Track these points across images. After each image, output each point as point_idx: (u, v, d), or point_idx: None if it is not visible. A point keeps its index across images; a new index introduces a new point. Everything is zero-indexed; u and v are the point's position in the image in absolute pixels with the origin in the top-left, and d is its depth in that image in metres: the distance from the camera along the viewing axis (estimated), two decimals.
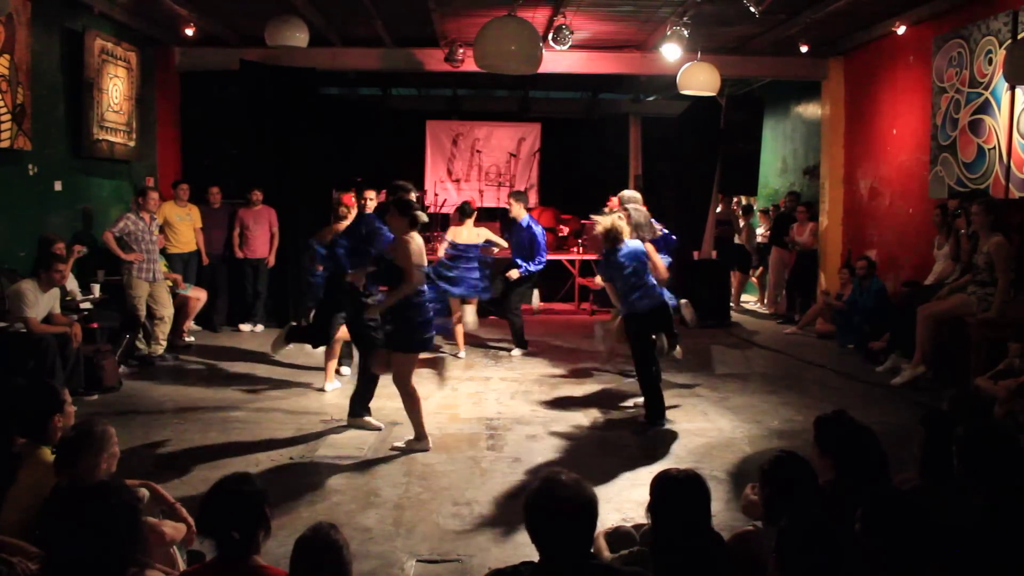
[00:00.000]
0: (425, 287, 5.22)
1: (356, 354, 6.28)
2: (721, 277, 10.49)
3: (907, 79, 8.80)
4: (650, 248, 6.18)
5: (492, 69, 7.30)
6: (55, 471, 2.97)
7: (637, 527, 3.08)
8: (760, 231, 11.85)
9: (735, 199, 12.55)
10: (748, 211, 12.22)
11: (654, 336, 5.94)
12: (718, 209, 12.02)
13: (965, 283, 6.72)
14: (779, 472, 2.81)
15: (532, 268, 8.07)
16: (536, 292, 9.26)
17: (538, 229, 8.24)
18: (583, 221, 10.25)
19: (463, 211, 8.00)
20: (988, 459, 2.73)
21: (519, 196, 8.41)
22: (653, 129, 13.75)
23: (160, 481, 3.46)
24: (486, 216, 10.13)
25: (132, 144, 8.95)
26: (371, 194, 6.27)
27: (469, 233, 7.88)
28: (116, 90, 8.53)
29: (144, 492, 3.07)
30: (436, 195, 12.44)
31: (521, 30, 6.87)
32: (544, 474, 2.31)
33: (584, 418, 5.99)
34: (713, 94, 8.88)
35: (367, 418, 5.61)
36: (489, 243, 7.98)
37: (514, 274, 7.96)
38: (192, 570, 2.60)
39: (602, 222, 5.83)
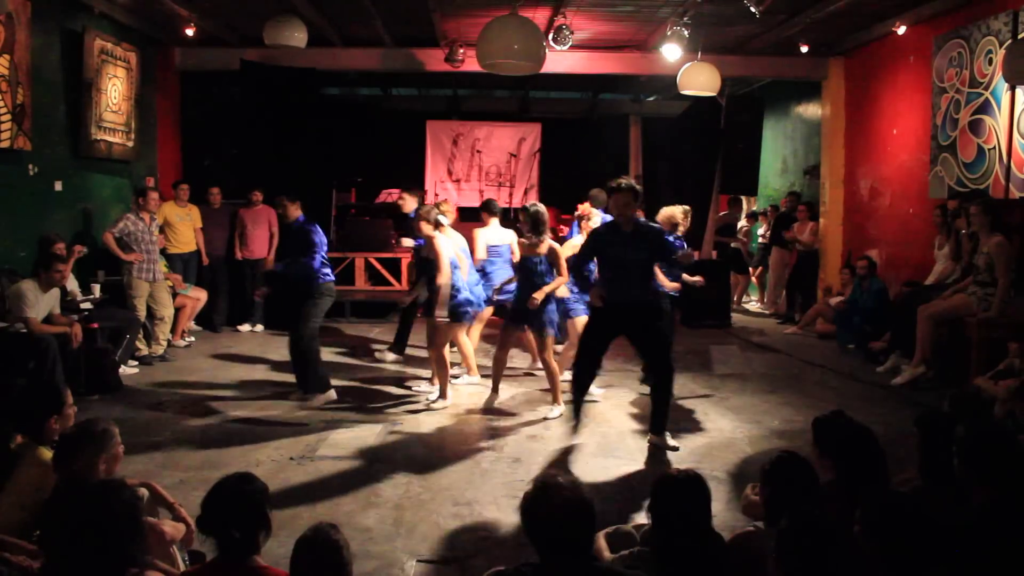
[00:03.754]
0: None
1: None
2: (721, 277, 10.49)
3: (907, 79, 8.80)
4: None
5: (495, 69, 7.29)
6: (54, 467, 2.97)
7: (637, 527, 3.08)
8: (760, 231, 11.85)
9: (744, 205, 12.54)
10: (754, 217, 12.23)
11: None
12: (720, 213, 12.01)
13: (966, 284, 6.72)
14: (779, 472, 2.81)
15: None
16: None
17: None
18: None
19: (490, 209, 7.03)
20: (988, 459, 2.72)
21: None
22: (653, 129, 13.75)
23: (160, 481, 3.46)
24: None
25: (132, 144, 8.95)
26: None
27: (499, 233, 6.99)
28: (115, 90, 8.53)
29: (144, 492, 3.07)
30: (436, 195, 12.46)
31: (524, 29, 6.87)
32: (539, 477, 2.29)
33: (584, 418, 5.97)
34: (713, 94, 8.88)
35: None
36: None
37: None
38: (192, 570, 2.60)
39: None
